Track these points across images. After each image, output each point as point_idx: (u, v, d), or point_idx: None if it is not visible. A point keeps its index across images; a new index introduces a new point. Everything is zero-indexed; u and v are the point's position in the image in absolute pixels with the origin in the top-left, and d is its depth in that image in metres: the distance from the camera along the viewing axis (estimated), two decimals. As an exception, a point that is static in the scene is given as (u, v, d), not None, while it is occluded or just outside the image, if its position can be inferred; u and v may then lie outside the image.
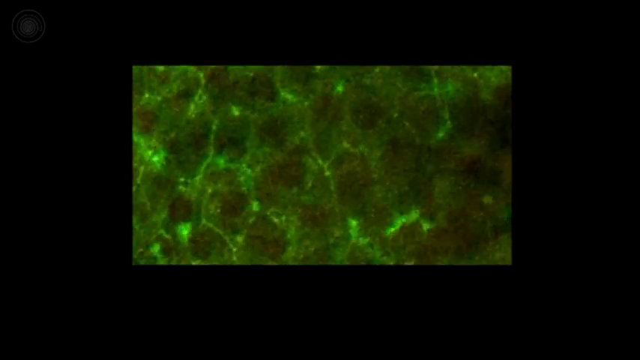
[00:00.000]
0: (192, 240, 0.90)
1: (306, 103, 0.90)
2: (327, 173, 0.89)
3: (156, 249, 0.97)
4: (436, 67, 0.86)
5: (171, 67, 1.01)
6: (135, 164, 0.96)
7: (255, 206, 0.88)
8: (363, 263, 0.85)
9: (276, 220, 0.88)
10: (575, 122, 0.89)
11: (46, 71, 1.28)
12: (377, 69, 0.88)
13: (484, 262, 0.83)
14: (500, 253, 0.86)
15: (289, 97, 0.90)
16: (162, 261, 0.95)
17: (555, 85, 0.87)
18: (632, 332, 0.92)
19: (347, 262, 0.87)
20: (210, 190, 0.91)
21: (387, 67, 0.88)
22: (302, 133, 0.90)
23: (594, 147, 0.90)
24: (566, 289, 0.92)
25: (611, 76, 0.93)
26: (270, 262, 0.89)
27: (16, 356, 1.17)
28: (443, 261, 0.82)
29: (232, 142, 0.90)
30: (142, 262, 0.98)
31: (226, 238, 0.89)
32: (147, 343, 0.97)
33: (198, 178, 0.91)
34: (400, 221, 0.82)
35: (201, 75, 0.95)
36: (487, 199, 0.81)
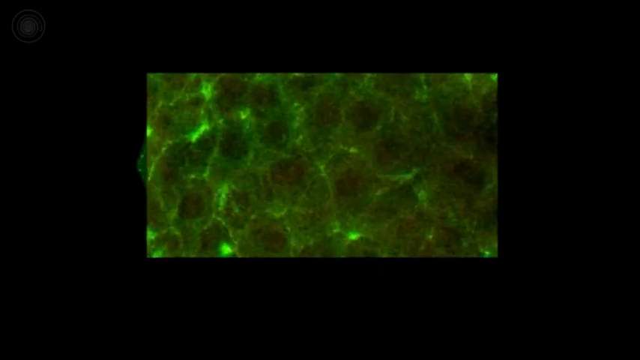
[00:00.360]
0: (202, 233, 0.95)
1: (302, 108, 0.95)
2: (324, 174, 0.94)
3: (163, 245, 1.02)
4: (424, 76, 0.92)
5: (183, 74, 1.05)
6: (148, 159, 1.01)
7: (258, 202, 0.93)
8: (360, 255, 0.91)
9: (276, 215, 0.94)
10: (556, 123, 0.95)
11: (46, 71, 1.29)
12: (369, 75, 0.94)
13: (473, 255, 0.88)
14: (485, 246, 0.92)
15: (289, 101, 0.95)
16: (172, 254, 1.00)
17: (537, 92, 0.94)
18: (618, 322, 0.99)
19: (343, 255, 0.93)
20: (219, 188, 0.96)
21: (380, 75, 0.93)
22: (300, 137, 0.95)
23: (575, 145, 0.96)
24: (550, 281, 0.99)
25: (593, 83, 0.99)
26: (273, 255, 0.95)
27: (38, 348, 1.20)
28: (434, 252, 0.88)
29: (237, 144, 0.95)
30: (156, 255, 1.03)
31: (230, 230, 0.95)
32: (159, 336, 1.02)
33: (205, 175, 0.96)
34: (392, 216, 0.88)
35: (210, 84, 1.00)
36: (480, 203, 0.87)
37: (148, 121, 1.04)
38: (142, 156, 1.10)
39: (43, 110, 1.25)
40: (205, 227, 0.95)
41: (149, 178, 1.01)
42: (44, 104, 1.27)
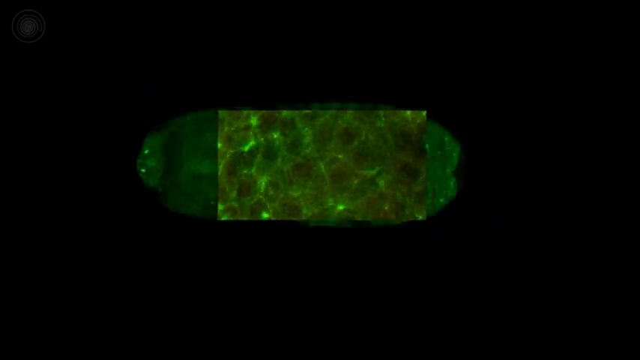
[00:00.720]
0: (250, 206, 1.33)
1: (310, 131, 1.42)
2: (323, 171, 1.45)
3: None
4: (382, 112, 1.43)
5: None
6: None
7: (284, 187, 1.39)
8: (344, 218, 1.36)
9: (294, 194, 1.43)
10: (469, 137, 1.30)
11: (46, 71, 1.27)
12: (350, 111, 1.33)
13: (411, 218, 1.33)
14: (418, 214, 1.33)
15: (302, 127, 1.42)
16: (233, 218, 1.33)
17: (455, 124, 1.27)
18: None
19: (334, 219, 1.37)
20: (260, 179, 1.36)
21: (357, 112, 1.32)
22: (309, 148, 1.44)
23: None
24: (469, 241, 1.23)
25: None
26: (292, 219, 1.37)
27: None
28: (389, 217, 1.33)
29: (271, 152, 1.40)
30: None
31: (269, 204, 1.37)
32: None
33: (252, 170, 1.36)
34: (364, 195, 1.37)
35: (255, 118, 1.33)
36: (417, 187, 1.40)
37: (219, 139, 1.38)
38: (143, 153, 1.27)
39: (43, 110, 1.25)
40: (252, 202, 1.39)
41: (219, 173, 1.35)
42: (44, 104, 1.28)
